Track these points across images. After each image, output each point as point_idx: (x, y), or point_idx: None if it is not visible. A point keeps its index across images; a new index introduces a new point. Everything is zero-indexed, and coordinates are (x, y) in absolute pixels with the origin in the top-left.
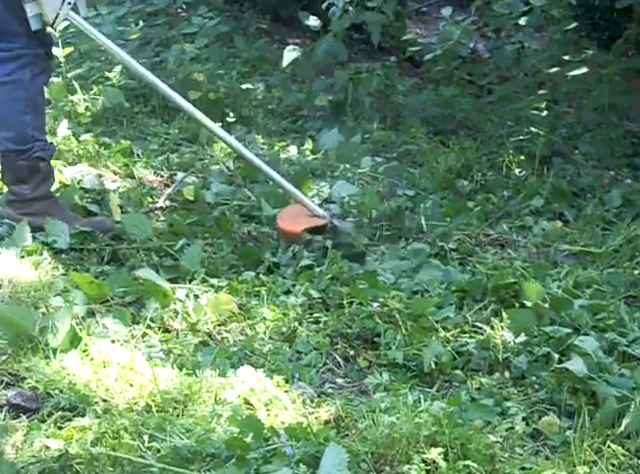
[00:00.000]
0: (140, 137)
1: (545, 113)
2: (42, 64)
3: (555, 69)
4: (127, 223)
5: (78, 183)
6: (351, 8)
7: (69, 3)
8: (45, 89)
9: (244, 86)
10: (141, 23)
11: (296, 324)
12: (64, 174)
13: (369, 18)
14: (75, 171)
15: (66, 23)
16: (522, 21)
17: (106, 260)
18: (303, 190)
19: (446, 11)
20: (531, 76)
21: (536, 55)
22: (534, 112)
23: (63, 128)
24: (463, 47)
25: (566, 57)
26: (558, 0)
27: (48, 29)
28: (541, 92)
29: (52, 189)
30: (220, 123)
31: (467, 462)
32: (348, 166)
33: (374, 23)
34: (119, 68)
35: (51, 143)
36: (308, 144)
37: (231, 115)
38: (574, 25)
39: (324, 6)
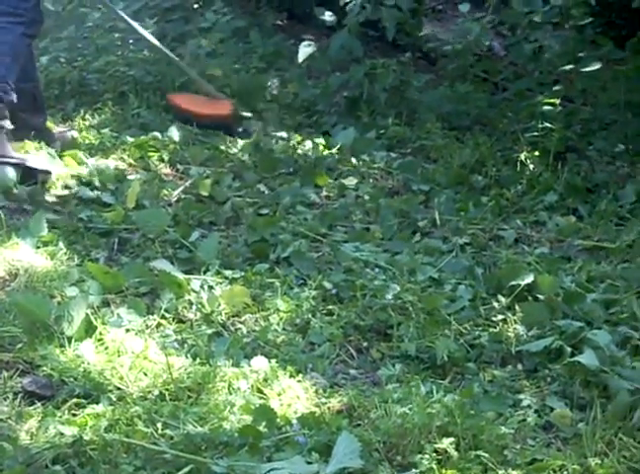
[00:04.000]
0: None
1: (560, 109)
2: (34, 29)
3: (570, 66)
4: (140, 219)
5: (93, 174)
6: (368, 5)
7: None
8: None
9: (259, 81)
10: (157, 18)
11: (310, 315)
12: (83, 165)
13: (385, 13)
14: (90, 163)
15: None
16: (538, 18)
17: (115, 249)
18: (318, 184)
19: (464, 7)
20: (547, 73)
21: (552, 52)
22: (549, 108)
23: (80, 121)
24: (481, 45)
25: (581, 54)
26: (578, 1)
27: None
28: (556, 88)
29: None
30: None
31: (479, 452)
32: (362, 161)
33: (390, 18)
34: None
35: (14, 93)
36: (323, 139)
37: (247, 109)
38: (590, 20)
39: (342, 2)
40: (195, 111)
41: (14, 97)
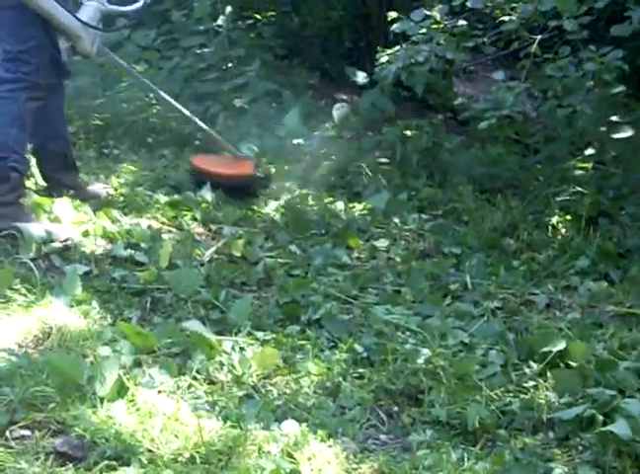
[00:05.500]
0: (189, 189)
1: (592, 173)
2: (40, 92)
3: (602, 129)
4: (173, 279)
5: (127, 233)
6: (403, 73)
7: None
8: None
9: (293, 141)
10: (192, 77)
11: (341, 379)
12: (116, 223)
13: (416, 71)
14: (124, 222)
15: None
16: (571, 83)
17: (148, 308)
18: (349, 245)
19: (499, 75)
20: (579, 136)
21: (585, 116)
22: (581, 172)
23: (115, 180)
24: (518, 115)
25: (613, 118)
26: (611, 66)
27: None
28: (588, 152)
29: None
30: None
31: None
32: (394, 223)
33: (419, 78)
34: None
35: (28, 160)
36: (356, 201)
37: (279, 168)
38: (621, 88)
39: (377, 69)
40: (215, 172)
41: (28, 165)
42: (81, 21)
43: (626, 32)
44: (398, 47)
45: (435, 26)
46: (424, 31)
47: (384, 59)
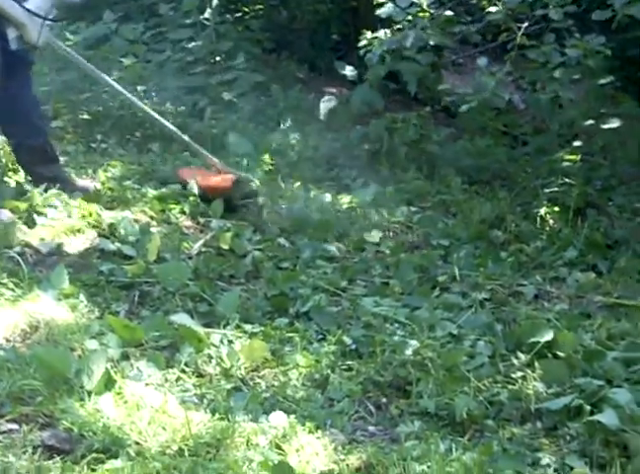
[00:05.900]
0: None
1: (580, 164)
2: None
3: (590, 122)
4: (161, 273)
5: (115, 226)
6: (387, 56)
7: (48, 25)
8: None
9: (280, 134)
10: (181, 71)
11: (329, 371)
12: (102, 217)
13: (405, 68)
14: (112, 215)
15: None
16: (558, 73)
17: (136, 302)
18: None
19: (482, 61)
20: (567, 128)
21: (572, 107)
22: (569, 163)
23: (103, 174)
24: (499, 99)
25: (601, 110)
26: (594, 51)
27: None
28: (576, 144)
29: None
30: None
31: None
32: (382, 215)
33: (410, 72)
34: None
35: None
36: (344, 193)
37: (268, 162)
38: (609, 79)
39: (361, 52)
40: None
41: None
42: (26, 9)
43: (606, 16)
44: (383, 31)
45: (421, 14)
46: (409, 18)
47: (368, 38)
